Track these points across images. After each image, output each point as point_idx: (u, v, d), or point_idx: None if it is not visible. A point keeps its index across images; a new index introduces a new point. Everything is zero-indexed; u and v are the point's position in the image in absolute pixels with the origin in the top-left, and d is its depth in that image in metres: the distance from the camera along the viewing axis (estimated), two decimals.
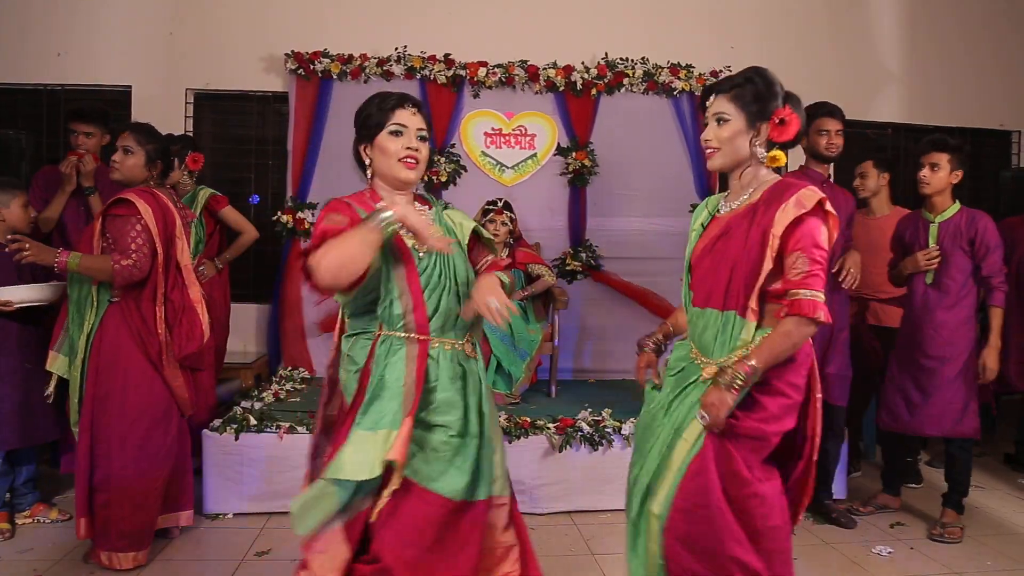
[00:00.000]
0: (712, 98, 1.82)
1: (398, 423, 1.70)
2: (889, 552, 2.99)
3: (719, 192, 2.01)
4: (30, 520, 3.06)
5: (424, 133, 1.88)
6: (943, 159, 3.08)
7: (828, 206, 1.71)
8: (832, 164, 3.23)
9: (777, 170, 1.84)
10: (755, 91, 1.76)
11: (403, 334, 1.79)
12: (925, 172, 3.11)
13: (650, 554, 1.77)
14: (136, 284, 2.65)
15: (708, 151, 1.83)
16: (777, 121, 1.75)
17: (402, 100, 1.87)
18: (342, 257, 1.64)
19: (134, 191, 2.68)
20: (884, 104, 5.08)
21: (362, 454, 1.68)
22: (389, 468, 1.70)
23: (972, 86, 5.14)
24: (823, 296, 1.68)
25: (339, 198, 1.86)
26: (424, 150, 1.88)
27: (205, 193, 3.68)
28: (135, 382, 2.67)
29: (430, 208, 1.98)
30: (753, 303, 1.71)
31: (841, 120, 3.15)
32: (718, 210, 1.91)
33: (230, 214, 3.74)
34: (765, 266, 1.69)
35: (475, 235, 1.99)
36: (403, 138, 1.84)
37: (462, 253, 1.93)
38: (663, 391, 1.88)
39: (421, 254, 1.83)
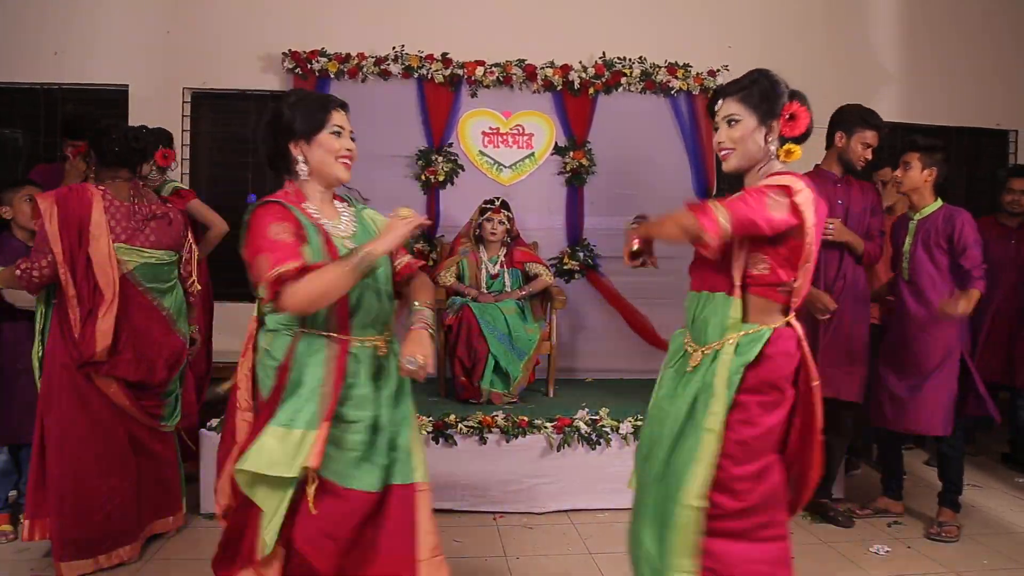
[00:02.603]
0: (720, 102, 1.85)
1: (315, 425, 1.71)
2: (887, 551, 2.99)
3: (717, 191, 2.01)
4: None
5: (354, 136, 1.93)
6: (913, 158, 3.14)
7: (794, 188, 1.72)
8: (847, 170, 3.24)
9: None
10: (761, 91, 1.79)
11: (324, 332, 1.81)
12: (898, 171, 3.21)
13: (685, 544, 1.74)
14: (54, 287, 2.59)
15: (723, 153, 1.85)
16: (787, 116, 1.77)
17: (338, 103, 1.92)
18: (322, 293, 1.69)
19: (56, 190, 2.61)
20: (882, 104, 4.99)
21: (274, 451, 1.69)
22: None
23: (969, 86, 5.15)
24: (725, 218, 1.66)
25: (272, 199, 1.86)
26: (355, 152, 1.93)
27: (170, 187, 3.50)
28: (68, 386, 2.57)
29: (349, 207, 2.00)
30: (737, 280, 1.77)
31: (881, 138, 3.19)
32: None
33: (196, 208, 3.50)
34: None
35: None
36: (342, 139, 1.88)
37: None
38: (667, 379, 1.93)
39: (348, 247, 1.83)
